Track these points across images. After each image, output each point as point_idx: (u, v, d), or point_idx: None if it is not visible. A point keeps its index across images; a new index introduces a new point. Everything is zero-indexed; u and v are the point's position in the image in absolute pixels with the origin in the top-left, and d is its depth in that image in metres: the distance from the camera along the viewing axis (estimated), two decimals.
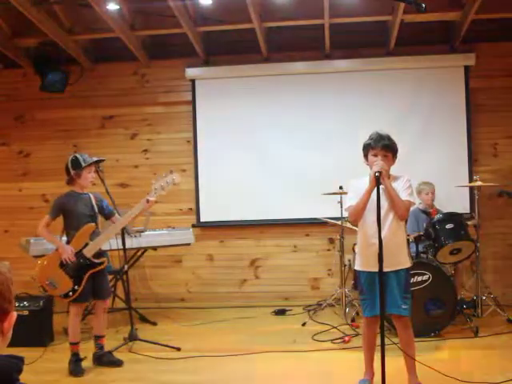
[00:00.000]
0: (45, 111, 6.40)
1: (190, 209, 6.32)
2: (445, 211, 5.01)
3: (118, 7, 5.23)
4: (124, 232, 4.32)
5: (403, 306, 3.16)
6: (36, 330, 4.51)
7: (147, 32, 5.96)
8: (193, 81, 6.26)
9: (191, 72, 6.21)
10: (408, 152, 5.62)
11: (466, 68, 5.92)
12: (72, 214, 3.94)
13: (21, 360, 1.27)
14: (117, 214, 4.13)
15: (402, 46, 5.89)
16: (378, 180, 3.00)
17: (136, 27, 5.78)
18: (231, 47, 6.19)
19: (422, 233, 4.75)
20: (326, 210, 5.53)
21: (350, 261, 5.40)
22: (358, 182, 3.28)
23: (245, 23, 5.55)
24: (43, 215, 4.01)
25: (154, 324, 5.36)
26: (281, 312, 5.66)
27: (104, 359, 4.03)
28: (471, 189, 5.61)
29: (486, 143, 5.99)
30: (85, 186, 4.02)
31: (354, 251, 4.95)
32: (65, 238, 4.04)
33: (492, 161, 5.99)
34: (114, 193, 4.24)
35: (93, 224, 3.97)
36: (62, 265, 3.89)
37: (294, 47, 6.11)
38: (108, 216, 4.13)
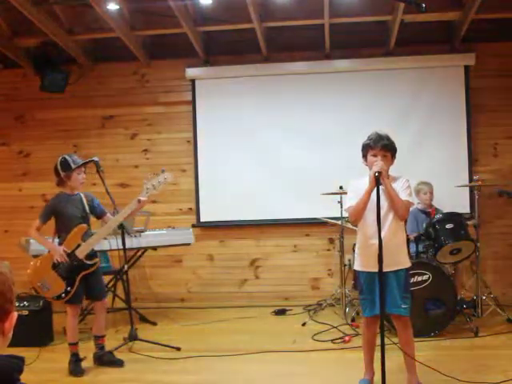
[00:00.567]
0: (45, 111, 6.40)
1: (190, 209, 6.32)
2: (445, 211, 5.01)
3: (117, 7, 5.23)
4: (124, 232, 4.31)
5: (403, 306, 3.17)
6: (36, 329, 4.52)
7: (147, 32, 5.96)
8: (193, 81, 6.26)
9: (191, 72, 6.21)
10: (408, 152, 5.64)
11: (466, 68, 5.92)
12: (63, 216, 3.93)
13: (21, 360, 1.27)
14: (108, 214, 4.11)
15: (402, 45, 5.89)
16: (377, 180, 3.00)
17: (136, 27, 5.78)
18: (231, 47, 6.19)
19: (421, 233, 4.75)
20: (326, 210, 5.53)
21: (349, 261, 5.39)
22: (358, 183, 3.28)
23: (245, 23, 5.55)
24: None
25: (154, 324, 5.36)
26: (281, 312, 5.66)
27: (105, 359, 4.03)
28: (471, 189, 5.61)
29: (486, 143, 5.99)
30: (75, 188, 3.99)
31: (353, 251, 4.95)
32: (57, 240, 4.02)
33: (492, 161, 5.99)
34: (114, 193, 4.24)
35: (84, 225, 3.95)
36: (55, 266, 3.88)
37: (294, 47, 6.11)
38: (99, 215, 4.11)
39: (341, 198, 5.06)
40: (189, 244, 5.60)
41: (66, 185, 3.97)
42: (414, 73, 6.00)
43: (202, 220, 6.26)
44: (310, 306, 5.77)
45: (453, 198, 5.63)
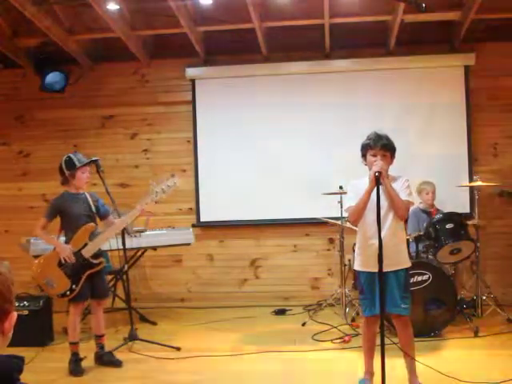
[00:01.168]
0: (45, 111, 6.40)
1: (190, 209, 6.32)
2: (445, 211, 5.01)
3: (117, 7, 5.22)
4: (124, 232, 4.32)
5: (403, 306, 3.17)
6: (36, 329, 4.51)
7: (147, 32, 5.96)
8: (193, 81, 6.26)
9: (191, 72, 6.21)
10: (408, 152, 5.65)
11: (466, 68, 5.92)
12: (69, 215, 3.93)
13: (21, 360, 1.27)
14: (111, 216, 4.12)
15: (402, 45, 5.89)
16: (377, 180, 3.00)
17: (136, 27, 5.78)
18: (231, 47, 6.18)
19: (421, 233, 4.75)
20: (326, 210, 5.53)
21: (349, 261, 5.39)
22: (358, 182, 3.28)
23: (245, 23, 5.54)
24: (41, 215, 4.00)
25: (154, 324, 5.36)
26: (281, 312, 5.66)
27: (105, 359, 4.04)
28: (471, 189, 5.60)
29: (486, 143, 5.99)
30: (80, 187, 4.00)
31: (353, 251, 4.95)
32: (63, 239, 4.03)
33: (492, 161, 5.98)
34: (114, 193, 4.24)
35: (92, 224, 3.98)
36: (61, 264, 3.89)
37: (294, 47, 6.11)
38: (103, 216, 4.12)
39: (341, 197, 5.06)
40: (189, 244, 5.60)
41: (71, 184, 3.98)
42: (414, 73, 6.00)
43: (201, 220, 6.26)
44: (309, 306, 5.77)
45: (453, 198, 5.63)
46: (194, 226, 6.13)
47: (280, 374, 3.76)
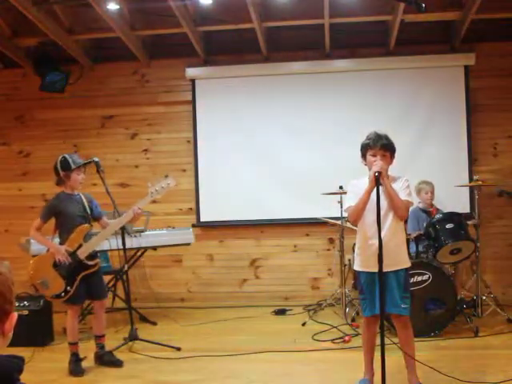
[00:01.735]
0: (45, 111, 6.41)
1: (190, 209, 6.32)
2: (445, 211, 5.01)
3: (117, 7, 5.23)
4: (124, 232, 4.32)
5: (403, 306, 3.16)
6: (36, 329, 4.52)
7: (147, 32, 5.96)
8: (193, 81, 6.26)
9: (191, 72, 6.21)
10: (408, 152, 5.66)
11: (466, 68, 5.92)
12: (64, 216, 3.92)
13: (21, 360, 1.27)
14: (104, 218, 4.13)
15: (402, 45, 5.89)
16: (377, 180, 3.00)
17: (136, 27, 5.78)
18: (231, 47, 6.19)
19: (421, 232, 4.75)
20: (326, 210, 5.53)
21: (349, 261, 5.40)
22: (358, 182, 3.28)
23: (245, 23, 5.55)
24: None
25: (154, 324, 5.36)
26: (281, 312, 5.66)
27: (105, 359, 4.04)
28: (471, 189, 5.61)
29: (486, 143, 5.99)
30: (75, 188, 4.00)
31: (353, 251, 4.95)
32: (57, 240, 4.02)
33: (492, 161, 5.99)
34: (114, 193, 4.24)
35: (87, 225, 3.96)
36: (56, 265, 3.88)
37: (294, 47, 6.11)
38: (97, 217, 4.11)
39: (341, 197, 5.06)
40: (189, 244, 5.60)
41: (66, 184, 3.97)
42: (413, 73, 6.00)
43: (201, 220, 6.26)
44: (309, 305, 5.77)
45: (453, 198, 5.63)
46: (194, 226, 6.13)
47: (280, 374, 3.76)
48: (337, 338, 4.48)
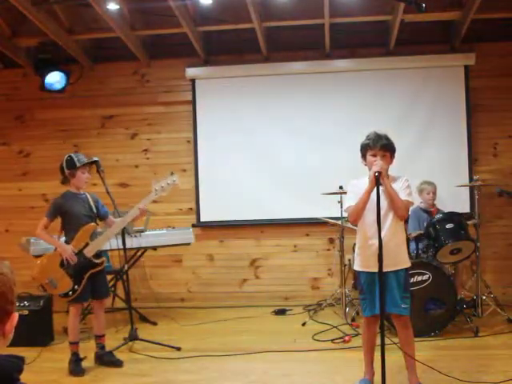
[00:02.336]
0: (45, 111, 6.41)
1: (190, 208, 6.32)
2: (445, 211, 5.01)
3: (117, 7, 5.23)
4: (124, 232, 4.32)
5: (403, 306, 3.17)
6: (36, 329, 4.52)
7: (147, 32, 5.96)
8: (193, 81, 6.26)
9: (191, 72, 6.21)
10: (408, 152, 5.66)
11: (466, 68, 5.92)
12: (70, 215, 3.94)
13: (21, 360, 1.27)
14: (110, 217, 4.14)
15: (402, 45, 5.89)
16: (377, 180, 3.00)
17: (136, 27, 5.78)
18: (231, 47, 6.19)
19: (422, 232, 4.75)
20: (326, 210, 5.53)
21: (349, 261, 5.40)
22: (358, 182, 3.28)
23: (245, 23, 5.55)
24: (43, 215, 4.00)
25: (154, 324, 5.36)
26: (281, 312, 5.66)
27: (105, 359, 4.04)
28: (471, 189, 5.61)
29: (486, 143, 5.99)
30: (80, 187, 4.02)
31: (353, 251, 4.95)
32: (63, 239, 4.03)
33: (492, 161, 5.99)
34: (114, 193, 4.24)
35: (93, 224, 3.99)
36: (63, 264, 3.89)
37: (294, 47, 6.11)
38: (103, 217, 4.13)
39: (341, 197, 5.06)
40: (189, 244, 5.60)
41: (71, 183, 3.99)
42: (413, 73, 6.00)
43: (202, 220, 6.26)
44: (309, 305, 5.77)
45: (453, 198, 5.63)
46: (194, 225, 6.13)
47: (280, 374, 3.76)
48: (337, 338, 4.47)
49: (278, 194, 6.08)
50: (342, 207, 5.07)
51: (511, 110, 5.92)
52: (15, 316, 1.30)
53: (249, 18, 5.36)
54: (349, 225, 5.11)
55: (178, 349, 4.34)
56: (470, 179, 5.67)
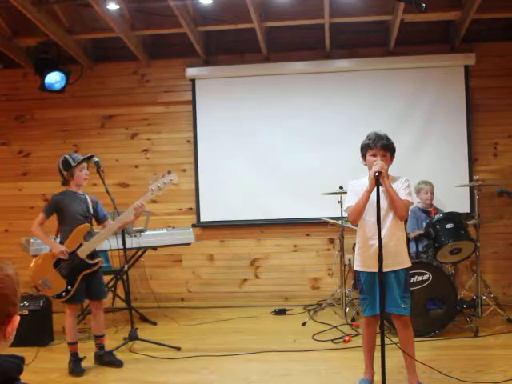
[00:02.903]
0: (45, 111, 6.41)
1: (190, 208, 6.32)
2: (445, 211, 5.01)
3: (117, 7, 5.23)
4: (124, 232, 4.32)
5: (403, 306, 3.17)
6: (36, 329, 4.52)
7: (147, 32, 5.96)
8: (193, 81, 6.26)
9: (191, 72, 6.21)
10: (408, 152, 5.67)
11: (466, 68, 5.92)
12: (67, 213, 3.93)
13: (21, 360, 1.27)
14: (109, 220, 4.13)
15: (402, 45, 5.89)
16: (377, 180, 3.00)
17: (136, 27, 5.78)
18: (231, 47, 6.19)
19: (422, 231, 4.75)
20: (326, 210, 5.54)
21: (350, 261, 5.40)
22: (358, 182, 3.29)
23: (245, 23, 5.55)
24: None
25: (154, 324, 5.36)
26: (281, 312, 5.66)
27: (105, 359, 4.04)
28: (471, 189, 5.61)
29: (486, 143, 5.99)
30: (81, 185, 4.02)
31: (353, 251, 4.95)
32: (59, 240, 4.03)
33: (492, 161, 5.99)
34: (114, 193, 4.24)
35: (87, 224, 3.97)
36: (56, 265, 3.89)
37: (294, 47, 6.11)
38: (101, 220, 4.11)
39: (341, 197, 5.06)
40: (189, 244, 5.60)
41: (71, 183, 4.00)
42: (413, 73, 6.00)
43: (202, 220, 6.26)
44: (310, 305, 5.77)
45: (453, 198, 5.63)
46: (194, 225, 6.13)
47: (280, 374, 3.76)
48: (337, 338, 4.47)
49: (278, 193, 6.08)
50: (342, 207, 5.07)
51: (511, 110, 5.92)
52: (17, 318, 1.30)
53: (249, 18, 5.36)
54: (349, 225, 5.11)
55: (178, 349, 4.34)
56: (470, 179, 5.68)
